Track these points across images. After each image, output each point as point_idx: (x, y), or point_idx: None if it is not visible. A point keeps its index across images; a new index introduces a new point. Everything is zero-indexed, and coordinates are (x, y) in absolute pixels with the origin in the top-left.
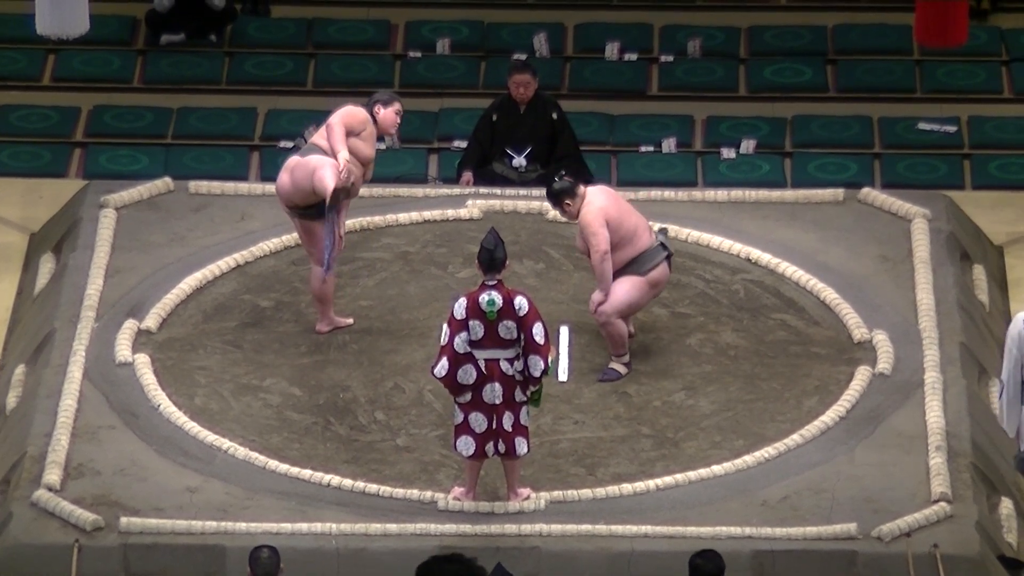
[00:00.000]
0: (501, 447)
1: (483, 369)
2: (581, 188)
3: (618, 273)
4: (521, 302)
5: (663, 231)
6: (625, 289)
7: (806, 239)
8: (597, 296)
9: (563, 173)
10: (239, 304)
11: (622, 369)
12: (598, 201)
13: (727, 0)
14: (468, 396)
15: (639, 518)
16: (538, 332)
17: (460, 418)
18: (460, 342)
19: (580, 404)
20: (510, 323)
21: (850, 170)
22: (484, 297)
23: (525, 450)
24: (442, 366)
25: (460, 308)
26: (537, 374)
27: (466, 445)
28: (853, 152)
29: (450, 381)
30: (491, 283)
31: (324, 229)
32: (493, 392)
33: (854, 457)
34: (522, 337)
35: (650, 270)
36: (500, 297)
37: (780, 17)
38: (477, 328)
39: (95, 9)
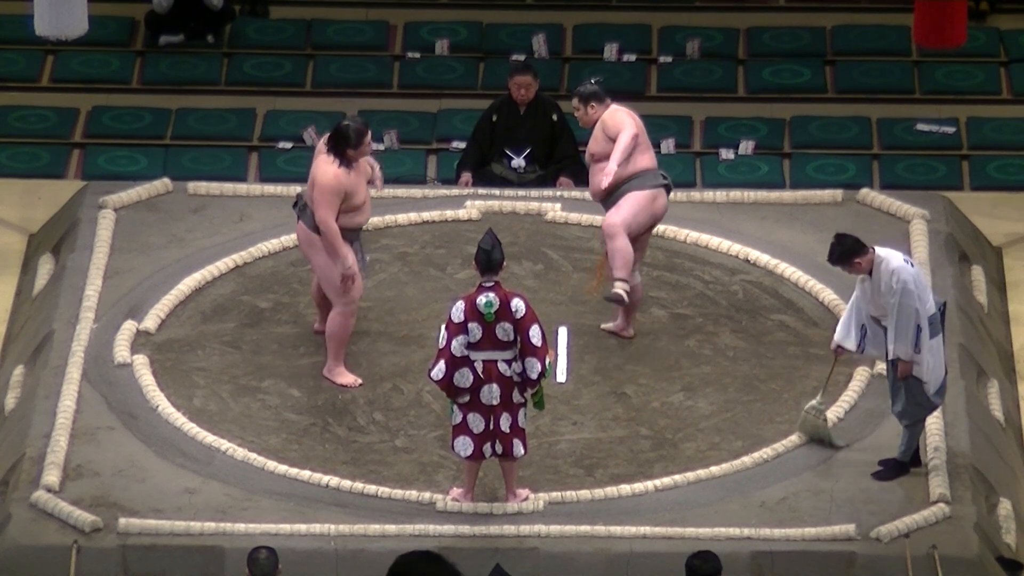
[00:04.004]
0: (499, 448)
1: (480, 371)
2: (609, 101)
3: (618, 189)
4: (518, 304)
5: (663, 175)
6: (629, 203)
7: (805, 240)
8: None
9: (600, 79)
10: (238, 305)
11: (623, 294)
12: (625, 111)
13: (726, 1)
14: (466, 397)
15: (638, 519)
16: (535, 334)
17: (459, 418)
18: (458, 345)
19: (579, 405)
20: (507, 325)
21: (849, 171)
22: (481, 299)
23: (522, 452)
24: (439, 369)
25: (458, 311)
26: (534, 376)
27: (464, 446)
28: (852, 153)
29: (446, 384)
30: (488, 284)
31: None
32: (491, 393)
33: (852, 458)
34: (518, 340)
35: (651, 187)
36: (497, 299)
37: (779, 18)
38: (475, 330)
39: (94, 10)
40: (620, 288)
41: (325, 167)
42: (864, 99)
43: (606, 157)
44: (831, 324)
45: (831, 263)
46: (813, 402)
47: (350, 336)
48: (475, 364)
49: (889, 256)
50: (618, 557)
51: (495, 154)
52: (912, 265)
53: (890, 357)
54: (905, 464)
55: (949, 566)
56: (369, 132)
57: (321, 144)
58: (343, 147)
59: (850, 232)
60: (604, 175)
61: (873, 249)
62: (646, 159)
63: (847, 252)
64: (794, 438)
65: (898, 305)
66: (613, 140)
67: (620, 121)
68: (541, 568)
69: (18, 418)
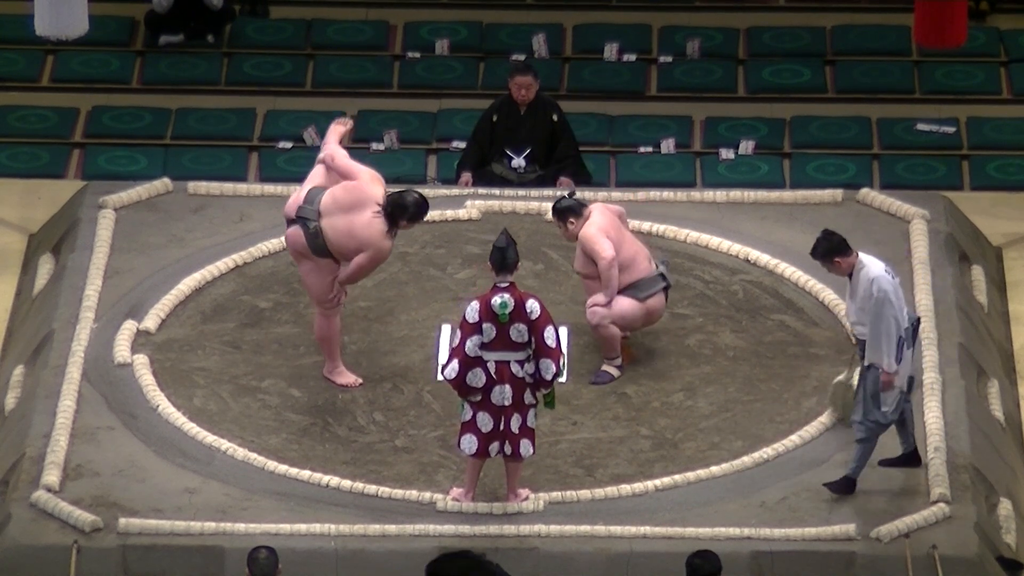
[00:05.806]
0: (507, 449)
1: (493, 371)
2: (587, 210)
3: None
4: (533, 305)
5: (665, 263)
6: (625, 304)
7: (805, 240)
8: (596, 298)
9: (573, 192)
10: (238, 305)
11: (614, 372)
12: (596, 220)
13: (726, 1)
14: (478, 396)
15: (638, 519)
16: (550, 336)
17: (468, 415)
18: (471, 345)
19: (579, 405)
20: (521, 326)
21: (849, 171)
22: (496, 299)
23: (531, 452)
24: (452, 368)
25: (472, 311)
26: (549, 377)
27: (470, 443)
28: (852, 153)
29: (459, 383)
30: (503, 285)
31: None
32: (503, 394)
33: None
34: (533, 341)
35: (647, 297)
36: (512, 299)
37: (779, 18)
38: (489, 330)
39: (94, 10)
40: (610, 368)
41: (383, 240)
42: (864, 99)
43: (593, 276)
44: (831, 324)
45: (813, 257)
46: (840, 377)
47: (340, 335)
48: (488, 364)
49: (870, 264)
50: (618, 557)
51: (495, 154)
52: (893, 277)
53: (866, 363)
54: (854, 481)
55: (949, 566)
56: (423, 217)
57: (370, 196)
58: (399, 217)
59: (850, 232)
60: (590, 314)
61: (856, 253)
62: (640, 264)
63: (831, 249)
64: (794, 438)
65: (878, 315)
66: (595, 261)
67: (591, 244)
68: (541, 568)
69: (18, 418)
